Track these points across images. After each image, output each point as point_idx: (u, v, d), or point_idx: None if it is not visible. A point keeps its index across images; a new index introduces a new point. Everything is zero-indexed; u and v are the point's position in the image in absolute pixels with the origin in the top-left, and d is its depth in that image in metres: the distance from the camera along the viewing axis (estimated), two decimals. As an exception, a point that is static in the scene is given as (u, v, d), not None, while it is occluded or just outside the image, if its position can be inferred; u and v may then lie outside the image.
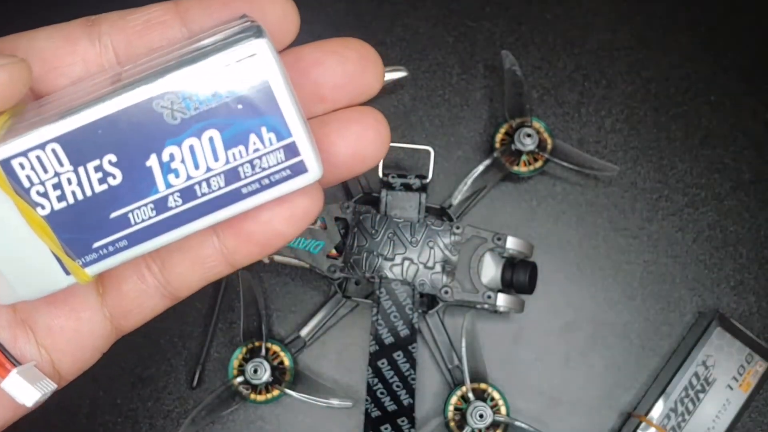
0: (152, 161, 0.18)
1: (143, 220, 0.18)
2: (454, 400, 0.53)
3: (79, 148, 0.17)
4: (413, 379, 0.52)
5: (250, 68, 0.17)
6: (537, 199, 0.60)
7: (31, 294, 0.19)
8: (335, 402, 0.53)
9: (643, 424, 0.54)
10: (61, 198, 0.18)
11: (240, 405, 0.55)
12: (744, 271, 0.59)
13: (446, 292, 0.52)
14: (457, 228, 0.53)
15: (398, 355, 0.52)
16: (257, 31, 0.18)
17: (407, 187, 0.55)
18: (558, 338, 0.58)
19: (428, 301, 0.55)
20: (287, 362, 0.54)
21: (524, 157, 0.56)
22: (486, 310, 0.55)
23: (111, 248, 0.18)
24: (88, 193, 0.18)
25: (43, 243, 0.18)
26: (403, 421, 0.52)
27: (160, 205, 0.18)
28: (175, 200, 0.18)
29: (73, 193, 0.18)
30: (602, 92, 0.62)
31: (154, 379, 0.57)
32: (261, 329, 0.54)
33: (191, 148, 0.17)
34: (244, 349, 0.54)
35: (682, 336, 0.58)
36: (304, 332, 0.56)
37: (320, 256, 0.53)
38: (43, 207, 0.18)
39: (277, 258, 0.54)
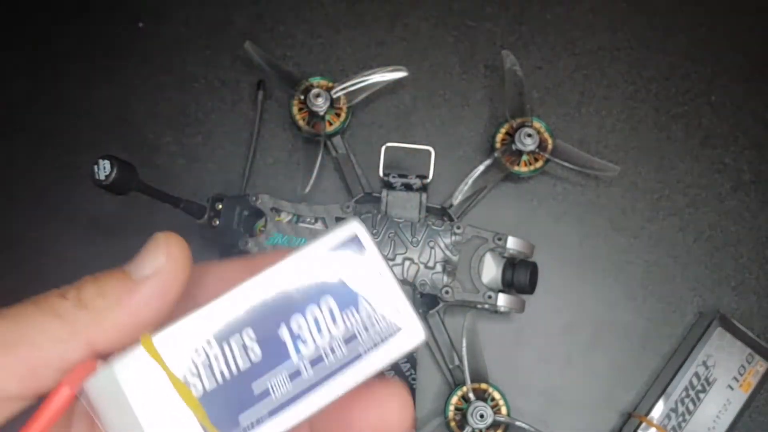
0: (283, 332, 0.20)
1: (281, 392, 0.20)
2: (454, 400, 0.53)
3: (224, 328, 0.20)
4: (414, 379, 0.52)
5: (351, 244, 0.20)
6: (537, 199, 0.60)
7: None
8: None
9: (643, 425, 0.54)
10: (211, 376, 0.19)
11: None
12: (745, 271, 0.59)
13: (447, 292, 0.52)
14: (458, 228, 0.53)
15: (399, 355, 0.52)
16: (351, 215, 0.20)
17: (408, 187, 0.55)
18: (559, 338, 0.58)
19: (429, 301, 0.55)
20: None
21: (525, 157, 0.56)
22: (487, 311, 0.55)
23: (254, 421, 0.20)
24: (234, 370, 0.20)
25: (198, 422, 0.19)
26: (403, 421, 0.52)
27: (294, 375, 0.20)
28: (305, 369, 0.20)
29: (221, 371, 0.20)
30: (603, 92, 0.62)
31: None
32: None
33: (314, 316, 0.20)
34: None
35: (683, 336, 0.58)
36: (304, 332, 0.56)
37: (321, 256, 0.53)
38: (195, 386, 0.19)
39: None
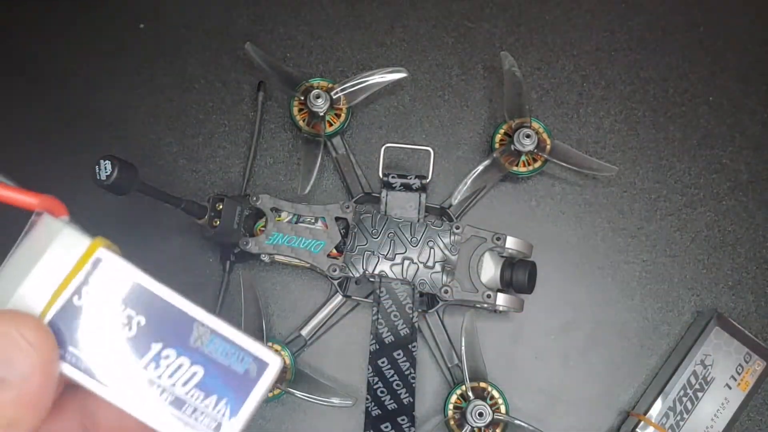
0: (155, 347, 0.22)
1: (102, 362, 0.22)
2: (453, 398, 0.54)
3: (137, 298, 0.22)
4: (413, 378, 0.52)
5: (258, 365, 0.23)
6: (536, 199, 0.60)
7: None
8: (336, 400, 0.54)
9: (641, 423, 0.54)
10: (88, 312, 0.22)
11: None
12: (742, 270, 0.59)
13: (446, 292, 0.52)
14: (457, 228, 0.53)
15: (398, 354, 0.52)
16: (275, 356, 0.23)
17: (407, 187, 0.55)
18: (557, 337, 0.58)
19: (428, 300, 0.56)
20: (288, 361, 0.54)
21: (523, 158, 0.56)
22: (485, 310, 0.55)
23: (73, 359, 0.22)
24: (102, 325, 0.22)
25: (41, 308, 0.22)
26: (403, 420, 0.52)
27: (129, 373, 0.22)
28: (137, 373, 0.22)
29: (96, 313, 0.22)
30: (601, 93, 0.62)
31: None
32: (262, 328, 0.54)
33: (179, 365, 0.22)
34: (245, 349, 0.54)
35: (681, 335, 0.58)
36: (304, 331, 0.57)
37: (321, 256, 0.53)
38: (74, 298, 0.22)
39: (279, 258, 0.55)
